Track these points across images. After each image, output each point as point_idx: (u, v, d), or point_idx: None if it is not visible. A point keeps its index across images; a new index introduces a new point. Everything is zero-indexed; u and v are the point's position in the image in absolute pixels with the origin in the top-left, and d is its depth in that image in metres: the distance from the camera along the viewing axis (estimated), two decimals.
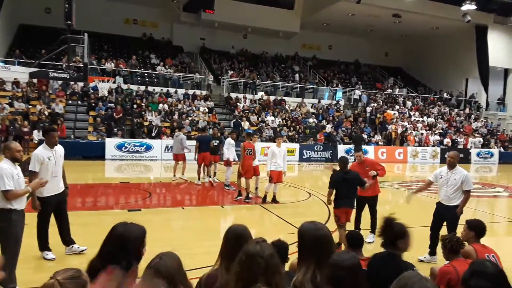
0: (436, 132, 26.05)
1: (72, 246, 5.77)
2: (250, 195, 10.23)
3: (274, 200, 9.93)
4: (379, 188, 7.14)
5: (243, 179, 10.20)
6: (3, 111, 17.77)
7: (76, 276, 1.75)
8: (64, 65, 18.19)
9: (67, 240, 5.77)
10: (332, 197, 6.26)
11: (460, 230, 4.14)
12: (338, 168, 6.39)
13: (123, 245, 2.18)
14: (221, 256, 2.56)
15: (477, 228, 3.99)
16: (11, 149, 4.48)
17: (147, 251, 2.34)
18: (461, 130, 27.40)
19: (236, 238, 2.51)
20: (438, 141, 25.12)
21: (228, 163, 11.41)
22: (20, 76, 19.79)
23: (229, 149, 11.44)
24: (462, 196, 5.90)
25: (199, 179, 12.33)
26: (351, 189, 6.32)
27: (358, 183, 6.34)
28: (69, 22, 11.40)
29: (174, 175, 12.83)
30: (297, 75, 29.56)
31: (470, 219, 4.15)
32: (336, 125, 24.11)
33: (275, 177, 9.74)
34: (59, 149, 5.65)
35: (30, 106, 19.01)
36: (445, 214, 6.05)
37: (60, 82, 20.30)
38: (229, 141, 11.63)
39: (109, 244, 2.22)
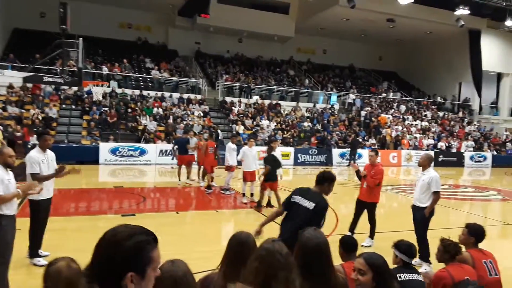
0: (429, 136, 26.18)
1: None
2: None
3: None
4: (379, 197, 7.21)
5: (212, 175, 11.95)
6: None
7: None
8: (58, 70, 18.09)
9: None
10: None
11: (456, 233, 4.07)
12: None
13: None
14: (223, 261, 2.56)
15: (477, 234, 3.84)
16: (3, 154, 4.50)
17: None
18: (455, 134, 27.56)
19: (239, 246, 2.52)
20: (431, 145, 25.24)
21: (228, 168, 11.46)
22: (14, 81, 19.65)
23: (231, 154, 11.46)
24: (431, 198, 5.98)
25: (179, 179, 12.88)
26: (276, 167, 9.29)
27: (280, 164, 9.50)
28: (63, 26, 11.39)
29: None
30: (306, 80, 29.79)
31: (470, 223, 3.97)
32: (325, 128, 24.09)
33: (248, 177, 10.55)
34: (51, 154, 5.70)
35: (23, 111, 18.90)
36: (415, 215, 6.14)
37: (53, 86, 20.19)
38: (230, 146, 11.62)
39: None
